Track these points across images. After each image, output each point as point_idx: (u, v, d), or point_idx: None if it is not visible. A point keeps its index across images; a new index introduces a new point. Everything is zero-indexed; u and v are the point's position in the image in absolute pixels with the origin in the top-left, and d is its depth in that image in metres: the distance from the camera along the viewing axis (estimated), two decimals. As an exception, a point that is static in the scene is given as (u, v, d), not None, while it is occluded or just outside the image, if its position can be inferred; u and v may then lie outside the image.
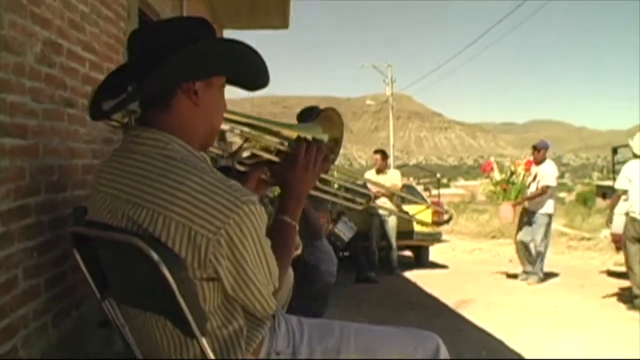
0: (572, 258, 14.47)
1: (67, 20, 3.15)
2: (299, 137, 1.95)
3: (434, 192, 20.65)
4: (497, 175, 9.43)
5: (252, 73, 1.79)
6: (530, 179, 9.40)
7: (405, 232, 11.14)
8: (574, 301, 8.24)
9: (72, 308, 3.11)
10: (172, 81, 1.59)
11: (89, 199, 1.75)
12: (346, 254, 9.59)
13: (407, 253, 13.26)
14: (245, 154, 2.03)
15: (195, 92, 1.63)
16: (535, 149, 9.69)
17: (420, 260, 12.66)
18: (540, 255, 9.73)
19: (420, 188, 17.56)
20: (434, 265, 12.60)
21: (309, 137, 1.98)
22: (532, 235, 9.62)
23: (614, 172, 11.52)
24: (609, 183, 19.56)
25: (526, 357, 5.12)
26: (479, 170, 9.99)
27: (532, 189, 9.45)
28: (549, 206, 9.56)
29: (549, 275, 10.15)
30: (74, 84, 3.23)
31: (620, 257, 11.61)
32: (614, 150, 11.31)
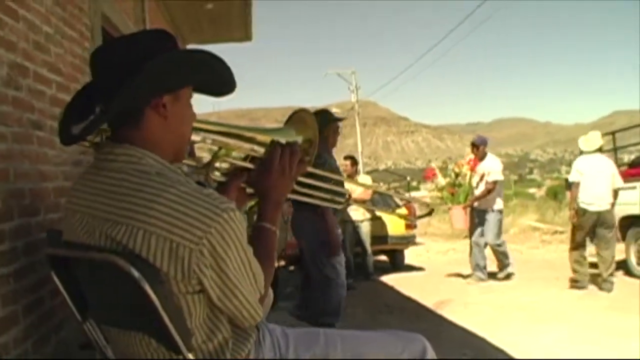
0: (546, 252, 14.61)
1: (32, 42, 3.12)
2: (272, 142, 1.94)
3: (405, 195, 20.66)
4: (441, 180, 9.30)
5: (219, 81, 1.79)
6: (476, 178, 9.28)
7: (379, 236, 11.16)
8: (552, 294, 8.32)
9: (52, 333, 3.07)
10: (139, 99, 1.57)
11: (63, 220, 1.72)
12: None
13: (383, 257, 13.26)
14: (220, 164, 2.02)
15: (163, 106, 1.61)
16: (474, 146, 9.49)
17: (396, 264, 12.66)
18: (504, 253, 9.69)
19: (391, 192, 17.58)
20: (410, 268, 12.59)
21: (282, 140, 1.98)
22: (485, 235, 9.45)
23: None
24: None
25: (510, 353, 5.13)
26: (445, 172, 9.76)
27: (481, 188, 9.26)
28: (498, 202, 9.39)
29: (524, 271, 10.25)
30: (42, 106, 3.20)
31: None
32: (612, 134, 11.44)
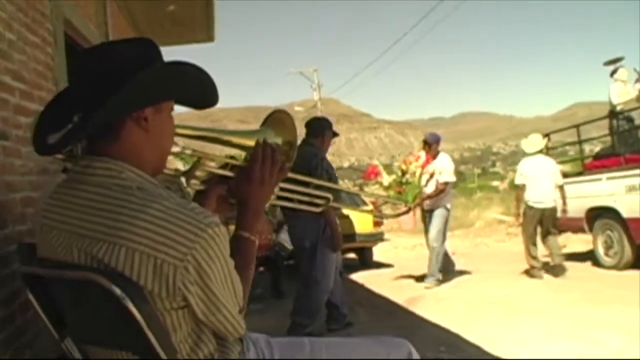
0: (513, 245, 14.66)
1: (-6, 50, 3.04)
2: (254, 147, 1.89)
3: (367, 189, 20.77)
4: (386, 178, 8.61)
5: (202, 93, 1.74)
6: (426, 176, 8.62)
7: (347, 235, 11.10)
8: (523, 287, 8.37)
9: (26, 348, 2.99)
10: (122, 111, 1.52)
11: (37, 236, 1.65)
12: (290, 262, 9.52)
13: (351, 255, 13.28)
14: (198, 172, 1.96)
15: (145, 119, 1.56)
16: (425, 143, 8.88)
17: (365, 261, 12.70)
18: (436, 252, 8.90)
19: (356, 189, 17.57)
20: (379, 265, 12.65)
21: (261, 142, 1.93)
22: (429, 232, 8.98)
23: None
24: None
25: (486, 349, 5.13)
26: (390, 169, 9.17)
27: (432, 187, 8.84)
28: (446, 199, 8.96)
29: (493, 264, 10.33)
30: (5, 114, 3.12)
31: (561, 239, 11.98)
32: (547, 137, 11.58)
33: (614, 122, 10.67)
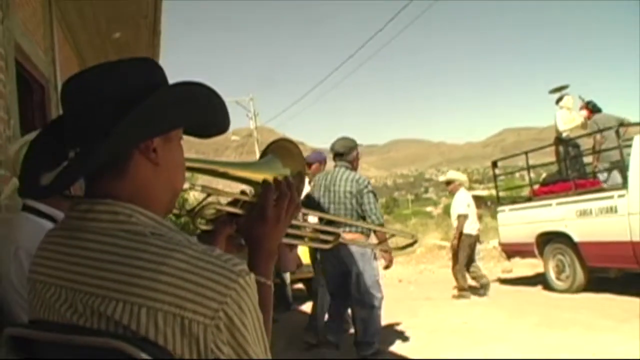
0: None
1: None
2: (265, 184, 1.68)
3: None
4: None
5: (214, 118, 1.51)
6: None
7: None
8: (480, 314, 8.31)
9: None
10: (129, 143, 1.28)
11: (28, 295, 1.40)
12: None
13: (299, 286, 13.07)
14: (205, 210, 1.74)
15: (154, 150, 1.33)
16: (307, 164, 7.38)
17: (312, 291, 12.48)
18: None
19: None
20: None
21: (270, 178, 1.74)
22: None
23: (496, 184, 12.00)
24: (475, 193, 20.21)
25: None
26: None
27: None
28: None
29: (442, 291, 10.33)
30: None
31: (507, 264, 12.04)
32: (494, 164, 11.75)
33: (561, 148, 10.80)
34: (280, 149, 1.85)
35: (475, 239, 10.25)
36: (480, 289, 10.09)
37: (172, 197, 1.42)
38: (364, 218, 5.98)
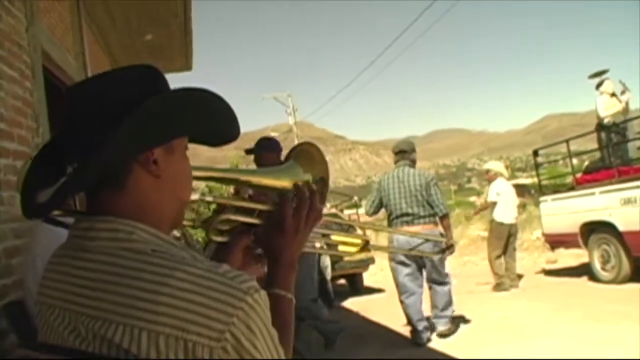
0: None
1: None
2: (281, 194, 1.60)
3: (346, 212, 20.82)
4: None
5: (221, 126, 1.42)
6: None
7: (336, 261, 10.92)
8: (524, 308, 8.13)
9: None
10: (126, 155, 1.20)
11: (37, 316, 1.34)
12: None
13: (341, 282, 13.03)
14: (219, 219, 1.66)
15: (155, 162, 1.25)
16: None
17: (355, 287, 12.42)
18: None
19: (333, 211, 17.32)
20: (370, 291, 12.36)
21: (289, 185, 1.65)
22: None
23: (537, 173, 11.75)
24: (518, 181, 19.94)
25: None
26: None
27: None
28: None
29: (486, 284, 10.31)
30: (-16, 157, 2.83)
31: (551, 255, 11.81)
32: (535, 153, 11.54)
33: (603, 135, 10.53)
34: (302, 154, 1.75)
35: (509, 229, 10.27)
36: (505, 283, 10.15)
37: (177, 210, 1.34)
38: (431, 207, 6.80)
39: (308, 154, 1.74)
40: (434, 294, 7.11)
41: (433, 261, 6.85)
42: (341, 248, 2.09)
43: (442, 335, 6.83)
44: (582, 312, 7.25)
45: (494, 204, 10.32)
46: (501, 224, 10.23)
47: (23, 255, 3.05)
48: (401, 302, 7.03)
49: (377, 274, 15.53)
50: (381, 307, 9.79)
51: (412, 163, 7.17)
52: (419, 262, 6.98)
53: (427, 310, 7.14)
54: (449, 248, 6.49)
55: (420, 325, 6.78)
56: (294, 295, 1.53)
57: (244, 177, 1.71)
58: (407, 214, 6.83)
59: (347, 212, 22.18)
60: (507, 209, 10.21)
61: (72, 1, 5.74)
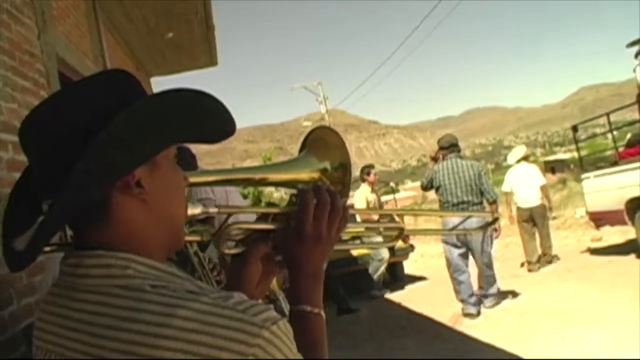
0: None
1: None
2: (300, 192, 1.39)
3: (383, 198, 20.68)
4: None
5: (210, 125, 1.22)
6: None
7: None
8: (571, 291, 7.88)
9: None
10: (100, 187, 1.01)
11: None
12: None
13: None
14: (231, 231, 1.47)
15: (138, 184, 1.07)
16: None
17: (396, 276, 12.23)
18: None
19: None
20: (412, 279, 12.15)
21: (306, 177, 1.47)
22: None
23: (578, 149, 11.43)
24: (557, 157, 19.57)
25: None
26: (423, 169, 9.54)
27: None
28: None
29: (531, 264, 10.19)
30: (-1, 173, 2.72)
31: (596, 232, 11.49)
32: (574, 128, 11.22)
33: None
34: (316, 141, 1.55)
35: (530, 212, 10.50)
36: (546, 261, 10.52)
37: (174, 230, 1.16)
38: (482, 194, 7.63)
39: (321, 140, 1.53)
40: (480, 275, 7.92)
41: (481, 243, 7.57)
42: (373, 240, 1.92)
43: (490, 307, 7.69)
44: (632, 292, 6.94)
45: (505, 194, 10.94)
46: (520, 208, 10.65)
47: (43, 274, 2.94)
48: (454, 279, 7.91)
49: (418, 260, 15.33)
50: (424, 296, 9.65)
51: (459, 154, 8.01)
52: (468, 245, 7.74)
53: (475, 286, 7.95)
54: (494, 222, 6.38)
55: (471, 300, 7.65)
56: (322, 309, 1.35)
57: (256, 176, 1.53)
58: (464, 202, 7.63)
59: (384, 198, 22.00)
60: (522, 194, 10.56)
61: (88, 5, 5.65)
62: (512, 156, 11.18)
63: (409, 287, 11.20)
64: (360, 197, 10.07)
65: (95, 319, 0.97)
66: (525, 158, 10.93)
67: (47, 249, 1.22)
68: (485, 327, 6.61)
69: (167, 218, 1.12)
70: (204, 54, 8.95)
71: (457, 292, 7.90)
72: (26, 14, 3.68)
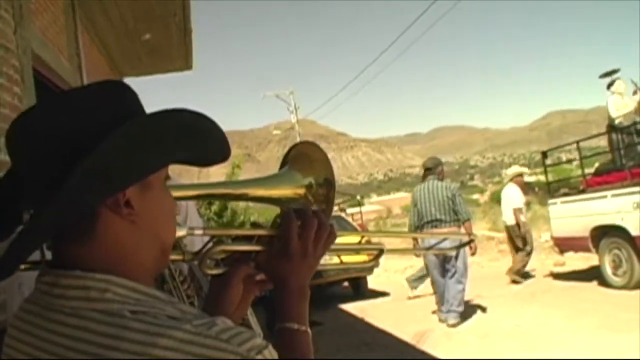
0: (507, 263, 14.16)
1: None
2: (284, 214, 1.35)
3: (348, 210, 20.67)
4: None
5: (206, 150, 1.18)
6: None
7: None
8: (534, 315, 7.92)
9: None
10: (89, 203, 0.96)
11: None
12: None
13: (344, 284, 12.85)
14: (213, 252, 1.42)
15: (127, 204, 1.01)
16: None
17: (359, 290, 12.24)
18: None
19: (335, 209, 17.14)
20: (374, 294, 12.14)
21: (289, 193, 1.44)
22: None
23: (546, 175, 11.60)
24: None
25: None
26: (390, 184, 9.84)
27: None
28: None
29: (493, 288, 10.21)
30: (-35, 173, 2.62)
31: (559, 257, 11.63)
32: (544, 154, 11.40)
33: (614, 136, 10.30)
34: (299, 157, 1.51)
35: (508, 230, 11.48)
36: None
37: (160, 253, 1.10)
38: (456, 213, 8.19)
39: (304, 156, 1.49)
40: (447, 290, 8.28)
41: (454, 258, 8.14)
42: (352, 259, 1.88)
43: (452, 326, 7.90)
44: (596, 320, 7.03)
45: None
46: (505, 226, 11.64)
47: (9, 281, 2.86)
48: (432, 287, 8.80)
49: (381, 275, 15.33)
50: (387, 312, 9.64)
51: (439, 176, 8.65)
52: (446, 258, 8.29)
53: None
54: (469, 243, 6.49)
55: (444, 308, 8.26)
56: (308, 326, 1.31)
57: (237, 191, 1.50)
58: (436, 219, 8.24)
59: (350, 210, 22.03)
60: (504, 212, 11.52)
61: (67, 2, 5.56)
62: (505, 177, 12.15)
63: (370, 302, 11.17)
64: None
65: (72, 344, 0.92)
66: (514, 178, 11.49)
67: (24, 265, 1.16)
68: (448, 348, 6.60)
69: (155, 241, 1.07)
70: (180, 57, 8.89)
71: (436, 300, 8.72)
72: (3, 7, 3.59)
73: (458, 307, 8.15)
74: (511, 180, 11.48)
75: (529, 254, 11.26)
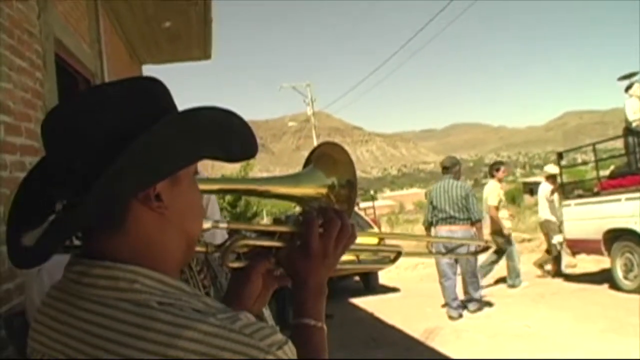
0: (523, 262, 14.16)
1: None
2: (306, 212, 1.37)
3: (362, 205, 20.72)
4: None
5: (235, 146, 1.20)
6: None
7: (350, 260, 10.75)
8: (544, 317, 7.91)
9: None
10: (124, 195, 1.00)
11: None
12: None
13: (355, 278, 12.87)
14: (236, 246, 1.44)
15: (157, 197, 1.04)
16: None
17: (370, 285, 12.26)
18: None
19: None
20: (385, 290, 12.18)
21: (312, 192, 1.45)
22: None
23: (561, 177, 11.51)
24: (534, 179, 19.74)
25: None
26: (403, 179, 10.01)
27: None
28: None
29: (504, 288, 10.26)
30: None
31: (571, 259, 11.59)
32: (560, 155, 11.30)
33: (630, 139, 10.23)
34: (323, 156, 1.53)
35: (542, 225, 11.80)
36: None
37: (186, 247, 1.13)
38: (468, 212, 8.55)
39: (328, 156, 1.51)
40: (464, 284, 8.86)
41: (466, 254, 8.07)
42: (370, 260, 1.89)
43: (473, 312, 8.63)
44: (604, 324, 7.03)
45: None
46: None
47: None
48: (440, 283, 8.82)
49: (392, 271, 15.32)
50: (397, 307, 9.65)
51: (455, 175, 9.01)
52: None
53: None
54: (485, 250, 6.54)
55: (454, 304, 8.56)
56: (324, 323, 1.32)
57: (260, 187, 1.51)
58: (450, 217, 8.62)
59: (362, 204, 22.06)
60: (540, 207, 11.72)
61: (89, -14, 5.58)
62: (542, 173, 12.33)
63: (381, 297, 11.19)
64: (493, 193, 10.49)
65: (99, 332, 0.94)
66: (547, 176, 11.54)
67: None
68: (457, 346, 6.61)
69: (182, 234, 1.10)
70: (199, 46, 8.91)
71: (443, 295, 8.80)
72: (28, -8, 3.61)
73: (476, 294, 8.78)
74: (546, 179, 11.51)
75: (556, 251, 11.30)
